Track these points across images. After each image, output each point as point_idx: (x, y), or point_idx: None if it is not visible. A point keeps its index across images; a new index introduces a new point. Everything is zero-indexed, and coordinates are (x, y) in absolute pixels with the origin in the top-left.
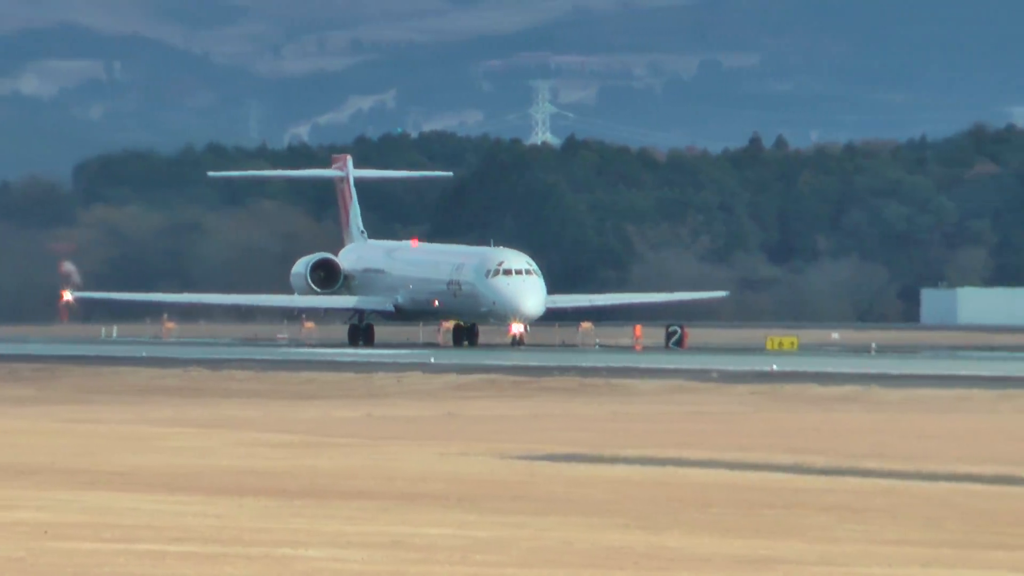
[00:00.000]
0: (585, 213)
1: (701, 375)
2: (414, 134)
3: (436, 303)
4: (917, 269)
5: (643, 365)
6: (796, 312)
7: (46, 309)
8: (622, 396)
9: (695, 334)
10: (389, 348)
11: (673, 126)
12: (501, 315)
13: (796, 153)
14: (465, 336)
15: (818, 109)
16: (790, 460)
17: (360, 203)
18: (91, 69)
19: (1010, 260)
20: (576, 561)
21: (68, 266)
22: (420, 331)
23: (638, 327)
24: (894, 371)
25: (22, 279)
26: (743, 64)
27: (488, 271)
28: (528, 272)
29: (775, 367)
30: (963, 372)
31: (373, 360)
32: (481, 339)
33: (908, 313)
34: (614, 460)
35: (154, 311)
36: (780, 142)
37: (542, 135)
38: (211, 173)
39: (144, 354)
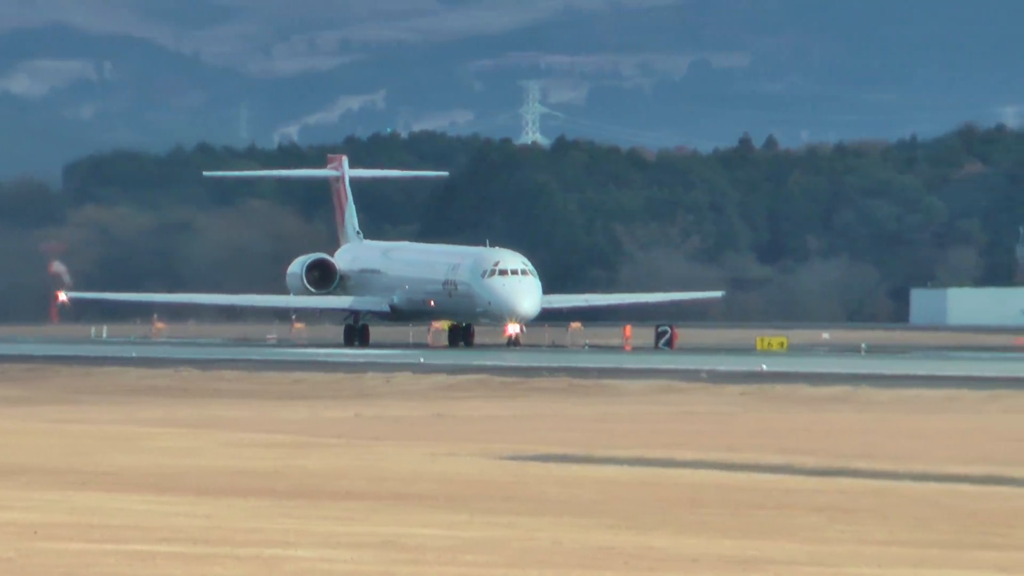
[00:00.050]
0: (575, 213)
1: (691, 375)
2: (404, 134)
3: (432, 303)
4: (907, 269)
5: (633, 365)
6: (786, 312)
7: (36, 309)
8: (612, 396)
9: (685, 334)
10: (385, 348)
11: (663, 126)
12: (497, 315)
13: (786, 153)
14: (461, 336)
15: (808, 109)
16: (780, 460)
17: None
18: (81, 69)
19: (1000, 260)
20: (566, 561)
21: (58, 266)
22: (410, 332)
23: (628, 327)
24: (884, 371)
25: (12, 279)
26: (733, 64)
27: (484, 271)
28: (524, 272)
29: (765, 367)
30: (953, 372)
31: (363, 360)
32: (477, 339)
33: (898, 313)
34: (604, 460)
35: (144, 311)
36: (770, 142)
37: (532, 135)
38: (206, 173)
39: (134, 354)
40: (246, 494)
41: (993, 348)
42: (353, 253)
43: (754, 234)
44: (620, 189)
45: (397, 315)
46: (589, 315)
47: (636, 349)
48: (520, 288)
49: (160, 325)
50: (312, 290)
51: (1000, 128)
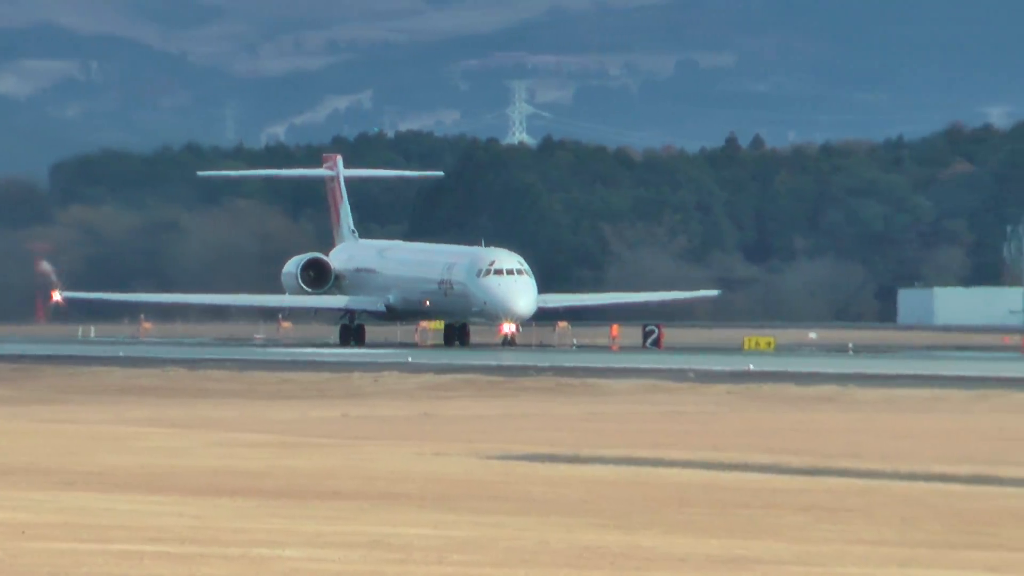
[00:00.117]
0: (562, 213)
1: (678, 375)
2: (391, 134)
3: (427, 303)
4: (894, 269)
5: (620, 365)
6: (773, 312)
7: (23, 309)
8: (599, 396)
9: (672, 334)
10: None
11: (649, 126)
12: (492, 315)
13: (773, 153)
14: (456, 336)
15: (795, 109)
16: (767, 460)
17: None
18: (68, 69)
19: (987, 260)
20: (553, 561)
21: (45, 266)
22: (398, 331)
23: (615, 327)
24: (871, 371)
25: None
26: (719, 64)
27: (479, 271)
28: (520, 272)
29: (752, 367)
30: (940, 372)
31: (350, 360)
32: (472, 339)
33: (885, 313)
34: (591, 460)
35: (132, 311)
36: (757, 142)
37: (519, 135)
38: (200, 173)
39: (121, 354)
40: (234, 494)
41: (980, 348)
42: (348, 252)
43: (741, 234)
44: (607, 189)
45: (393, 315)
46: (577, 315)
47: (623, 349)
48: (516, 288)
49: (147, 325)
50: (307, 289)
51: (987, 128)
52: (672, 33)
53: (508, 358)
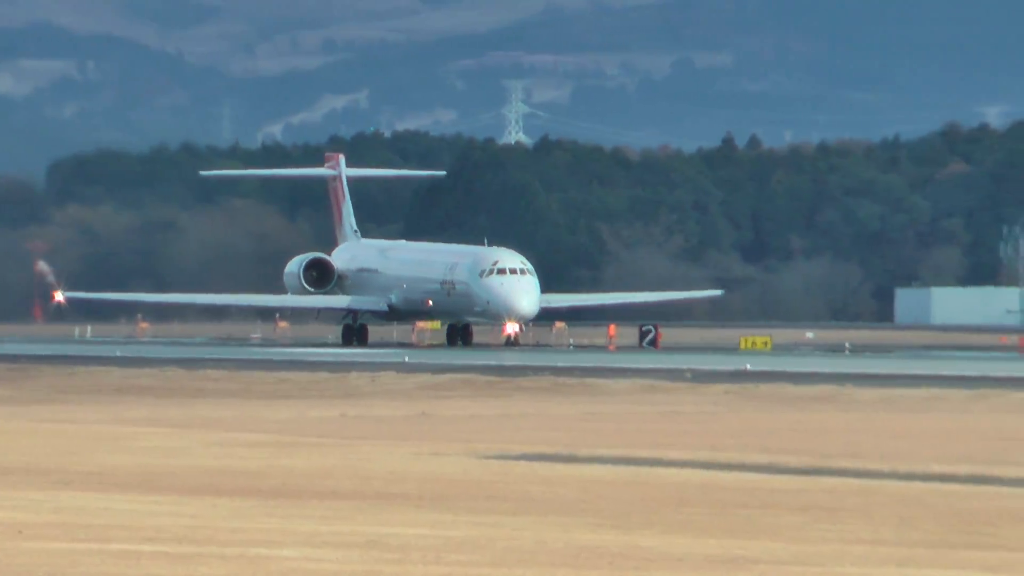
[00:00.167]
0: (558, 212)
1: (675, 375)
2: (387, 133)
3: (430, 303)
4: (891, 268)
5: (617, 365)
6: (770, 311)
7: (20, 308)
8: (596, 396)
9: (669, 334)
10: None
11: (646, 125)
12: (495, 315)
13: (770, 152)
14: (459, 336)
15: (791, 109)
16: (764, 460)
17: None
18: (64, 69)
19: (983, 260)
20: (550, 560)
21: (43, 266)
22: (395, 331)
23: (612, 327)
24: (869, 371)
25: None
26: (716, 64)
27: (482, 271)
28: (523, 272)
29: (749, 367)
30: (937, 372)
31: (348, 360)
32: (475, 339)
33: (882, 312)
34: (588, 460)
35: (128, 311)
36: (753, 141)
37: (515, 134)
38: (203, 172)
39: (119, 354)
40: (231, 494)
41: (978, 347)
42: (351, 252)
43: (737, 233)
44: (604, 188)
45: (395, 314)
46: (574, 315)
47: (620, 349)
48: (519, 287)
49: (144, 325)
50: (310, 289)
51: (983, 128)
52: (669, 33)
53: (509, 358)
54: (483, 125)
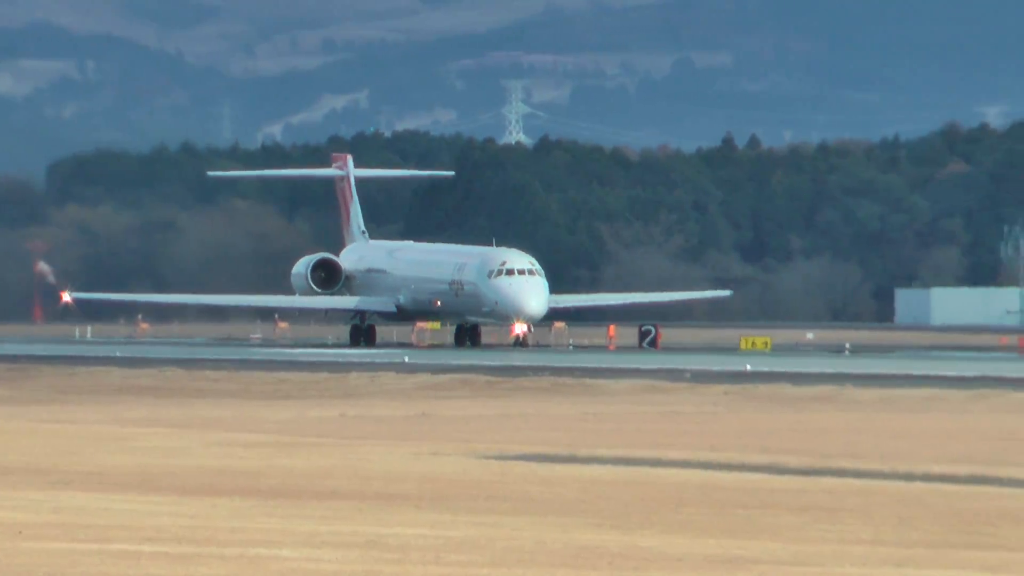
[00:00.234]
0: (558, 212)
1: (675, 375)
2: (387, 133)
3: (438, 303)
4: (890, 269)
5: (617, 365)
6: (770, 312)
7: (20, 309)
8: (596, 396)
9: (669, 334)
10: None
11: (646, 125)
12: (503, 315)
13: (769, 152)
14: (467, 336)
15: (791, 109)
16: (764, 460)
17: (334, 203)
18: (64, 69)
19: (983, 260)
20: (550, 561)
21: (43, 265)
22: (394, 331)
23: (612, 327)
24: (868, 371)
25: None
26: (716, 64)
27: (491, 271)
28: (531, 272)
29: (749, 367)
30: (937, 372)
31: (347, 360)
32: (483, 339)
33: (882, 313)
34: (588, 460)
35: (128, 311)
36: (753, 141)
37: (515, 134)
38: (211, 173)
39: (119, 354)
40: (231, 494)
41: (977, 348)
42: (359, 253)
43: (737, 233)
44: (603, 188)
45: (403, 315)
46: (574, 315)
47: (620, 349)
48: (527, 288)
49: (144, 325)
50: (317, 290)
51: (983, 128)
52: (669, 33)
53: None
54: (483, 125)
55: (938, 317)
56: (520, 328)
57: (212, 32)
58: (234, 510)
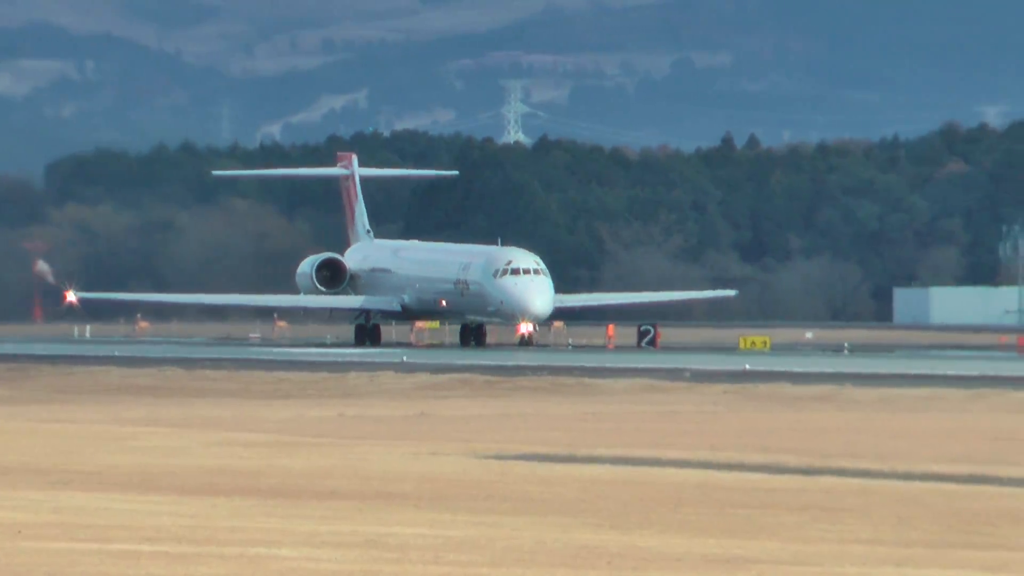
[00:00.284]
0: (557, 212)
1: (674, 375)
2: (386, 133)
3: (443, 303)
4: (890, 268)
5: (616, 365)
6: (769, 311)
7: (19, 308)
8: (595, 396)
9: (668, 334)
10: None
11: (645, 125)
12: (509, 315)
13: (768, 152)
14: (473, 336)
15: (790, 108)
16: (763, 460)
17: (334, 202)
18: (63, 68)
19: (982, 259)
20: (549, 560)
21: (43, 265)
22: (393, 331)
23: (611, 327)
24: (868, 371)
25: None
26: (715, 63)
27: (496, 271)
28: (536, 272)
29: (748, 367)
30: (936, 372)
31: (347, 360)
32: (489, 339)
33: (881, 312)
34: (587, 460)
35: (128, 310)
36: (752, 141)
37: (514, 134)
38: (216, 172)
39: (118, 354)
40: (230, 493)
41: (977, 347)
42: (363, 252)
43: (736, 233)
44: (603, 188)
45: (408, 314)
46: (573, 314)
47: (619, 348)
48: (532, 287)
49: (144, 324)
50: (322, 289)
51: (982, 127)
52: (668, 32)
53: (503, 358)
54: (482, 125)
55: (937, 317)
56: (526, 327)
57: (212, 32)
58: (234, 510)
